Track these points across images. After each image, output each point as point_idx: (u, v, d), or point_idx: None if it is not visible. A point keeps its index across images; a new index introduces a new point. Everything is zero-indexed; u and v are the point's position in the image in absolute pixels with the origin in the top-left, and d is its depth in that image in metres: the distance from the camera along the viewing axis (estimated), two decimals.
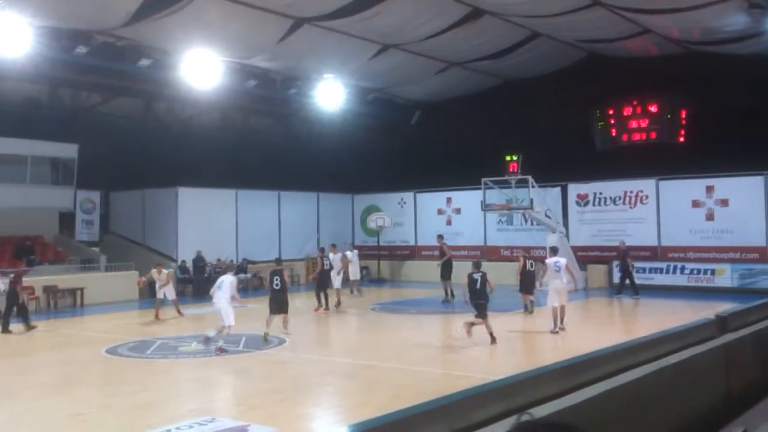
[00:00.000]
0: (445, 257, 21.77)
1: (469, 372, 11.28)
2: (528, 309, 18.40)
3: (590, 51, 25.72)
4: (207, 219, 26.13)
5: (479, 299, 13.91)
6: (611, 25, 21.77)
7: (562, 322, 15.18)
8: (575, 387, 3.87)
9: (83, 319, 20.12)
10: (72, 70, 21.43)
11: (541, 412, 3.63)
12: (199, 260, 24.85)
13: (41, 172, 24.04)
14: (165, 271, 20.04)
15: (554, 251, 16.61)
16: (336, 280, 20.79)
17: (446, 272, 21.50)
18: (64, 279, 22.13)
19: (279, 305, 15.30)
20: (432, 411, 3.54)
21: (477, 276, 14.10)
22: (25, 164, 23.25)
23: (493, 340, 13.60)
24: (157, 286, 19.47)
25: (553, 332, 14.89)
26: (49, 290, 21.36)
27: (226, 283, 13.96)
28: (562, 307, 15.19)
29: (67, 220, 25.78)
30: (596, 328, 16.14)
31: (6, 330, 16.73)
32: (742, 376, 5.30)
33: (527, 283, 18.30)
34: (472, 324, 13.89)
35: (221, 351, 13.20)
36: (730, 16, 19.38)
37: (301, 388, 10.76)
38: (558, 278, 15.25)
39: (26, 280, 20.74)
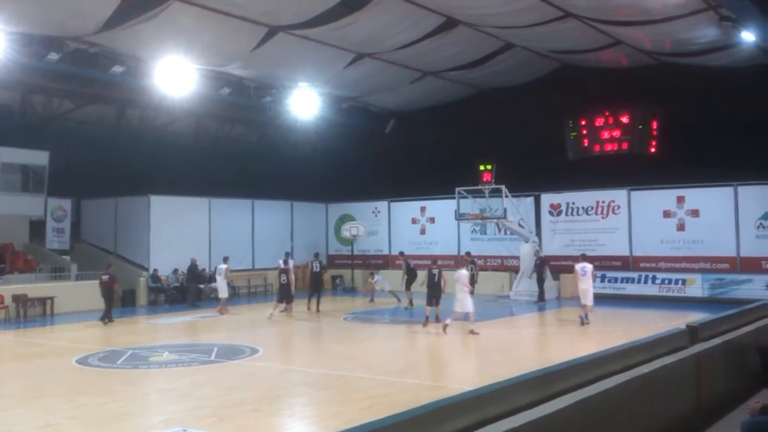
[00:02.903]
0: (410, 270, 23.02)
1: (442, 382, 11.26)
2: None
3: (563, 62, 26.01)
4: (180, 227, 25.86)
5: (434, 290, 17.71)
6: (584, 37, 22.04)
7: (587, 318, 17.43)
8: (548, 397, 3.88)
9: (53, 328, 19.78)
10: (44, 76, 21.12)
11: (514, 422, 3.62)
12: (193, 268, 24.56)
13: (11, 180, 23.68)
14: None
15: (583, 257, 18.48)
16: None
17: (409, 283, 22.68)
18: (34, 288, 21.75)
19: (283, 296, 20.35)
20: (404, 422, 3.52)
21: (435, 271, 17.95)
22: None
23: (427, 321, 17.48)
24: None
25: (585, 323, 17.31)
26: (18, 299, 20.95)
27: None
28: (590, 306, 17.57)
29: (37, 228, 25.37)
30: (568, 338, 16.23)
31: None
32: (713, 385, 5.35)
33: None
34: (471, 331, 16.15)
35: None
36: (701, 28, 19.70)
37: (272, 399, 10.66)
38: (584, 282, 17.61)
39: None
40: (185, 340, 17.40)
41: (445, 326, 16.53)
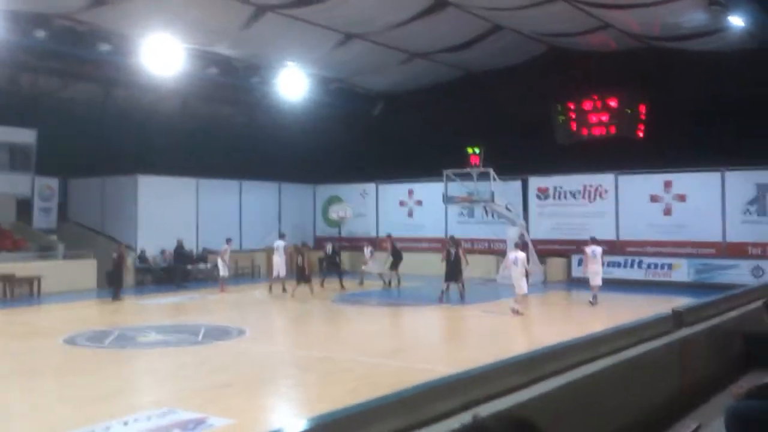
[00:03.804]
0: (396, 251, 23.78)
1: (430, 364, 11.33)
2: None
3: (552, 45, 25.95)
4: (167, 208, 25.75)
5: (451, 267, 19.21)
6: (572, 20, 21.98)
7: (595, 299, 18.29)
8: (533, 381, 3.90)
9: (40, 308, 19.72)
10: (31, 54, 20.86)
11: (498, 405, 3.66)
12: (180, 249, 24.49)
13: None
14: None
15: (594, 240, 19.32)
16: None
17: (395, 264, 23.53)
18: (21, 267, 21.62)
19: (301, 277, 20.98)
20: (389, 405, 3.53)
21: (452, 250, 19.46)
22: None
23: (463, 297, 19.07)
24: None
25: (594, 304, 18.19)
26: (5, 279, 20.83)
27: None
28: (598, 287, 18.45)
29: (24, 207, 25.15)
30: (554, 321, 16.37)
31: None
32: (697, 370, 5.41)
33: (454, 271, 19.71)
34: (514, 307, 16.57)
35: None
36: (690, 12, 19.70)
37: (259, 381, 10.71)
38: (595, 263, 18.57)
39: None
40: (172, 320, 17.39)
41: (516, 311, 16.67)
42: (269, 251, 27.84)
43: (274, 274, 22.24)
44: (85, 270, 23.26)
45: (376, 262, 24.35)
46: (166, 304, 20.22)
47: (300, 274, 21.14)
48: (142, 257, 24.85)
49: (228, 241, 23.29)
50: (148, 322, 17.15)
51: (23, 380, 10.59)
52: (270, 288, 22.14)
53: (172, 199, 26.15)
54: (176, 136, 26.64)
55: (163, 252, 25.08)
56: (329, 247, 25.00)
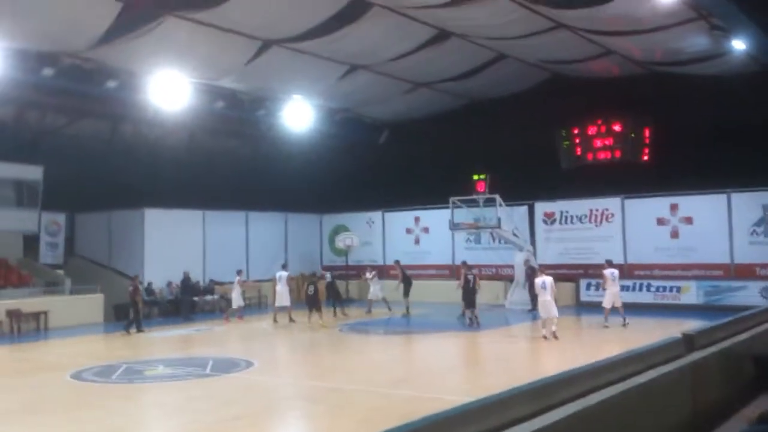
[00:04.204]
0: (405, 278, 23.88)
1: (440, 394, 11.24)
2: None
3: (555, 72, 26.15)
4: (174, 240, 25.84)
5: (469, 294, 19.44)
6: (575, 47, 22.18)
7: (624, 320, 18.83)
8: (546, 408, 3.87)
9: (47, 343, 19.68)
10: (38, 91, 21.08)
11: None
12: (186, 281, 24.52)
13: (5, 195, 23.60)
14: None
15: (610, 263, 20.09)
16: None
17: (406, 291, 23.62)
18: (28, 303, 21.60)
19: (312, 305, 20.96)
20: None
21: (470, 276, 19.76)
22: None
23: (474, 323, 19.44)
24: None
25: (619, 325, 18.57)
26: (12, 314, 20.82)
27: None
28: (618, 307, 18.93)
29: (31, 242, 25.25)
30: (563, 348, 16.23)
31: None
32: (709, 394, 5.36)
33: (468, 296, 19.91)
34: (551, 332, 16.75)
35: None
36: (691, 37, 19.84)
37: (268, 413, 10.63)
38: (615, 285, 19.15)
39: None
40: (180, 353, 17.33)
41: (545, 336, 16.85)
42: (274, 281, 27.84)
43: (277, 303, 22.15)
44: (92, 304, 23.26)
45: (378, 286, 24.16)
46: (173, 336, 20.18)
47: (312, 303, 21.12)
48: (149, 290, 24.85)
49: (239, 272, 23.73)
50: (156, 355, 17.11)
51: (29, 416, 10.53)
52: (275, 318, 22.07)
53: (178, 232, 26.25)
54: (183, 169, 26.84)
55: (169, 284, 25.09)
56: (329, 276, 25.30)
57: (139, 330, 20.35)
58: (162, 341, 19.42)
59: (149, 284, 24.94)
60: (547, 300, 16.95)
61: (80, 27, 18.14)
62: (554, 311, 16.99)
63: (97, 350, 18.01)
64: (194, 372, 13.78)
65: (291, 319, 21.75)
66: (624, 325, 18.63)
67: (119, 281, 25.09)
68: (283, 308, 21.99)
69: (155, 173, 25.76)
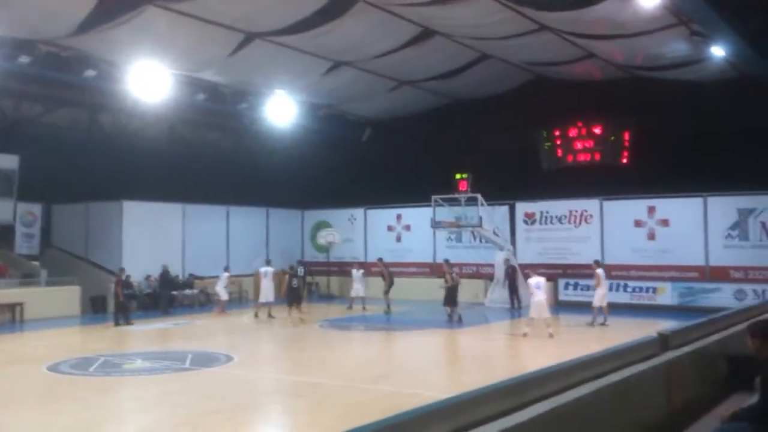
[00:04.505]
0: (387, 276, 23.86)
1: (419, 389, 11.31)
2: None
3: (538, 73, 26.32)
4: (153, 233, 25.62)
5: (454, 292, 20.12)
6: (558, 49, 22.33)
7: (605, 319, 19.14)
8: (519, 406, 3.93)
9: (23, 335, 19.48)
10: (14, 79, 20.74)
11: (488, 430, 3.68)
12: (165, 274, 24.36)
13: None
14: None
15: (598, 263, 20.59)
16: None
17: (388, 288, 23.55)
18: (3, 294, 21.33)
19: (293, 299, 21.01)
20: (381, 430, 3.54)
21: (455, 275, 20.42)
22: None
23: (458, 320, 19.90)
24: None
25: (598, 325, 19.04)
26: None
27: None
28: (603, 307, 19.27)
29: (6, 233, 24.93)
30: (540, 346, 16.35)
31: None
32: (683, 393, 5.46)
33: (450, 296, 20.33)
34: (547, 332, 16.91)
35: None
36: (672, 43, 20.07)
37: (247, 407, 10.62)
38: (605, 287, 19.70)
39: None
40: (158, 347, 17.25)
41: (525, 334, 16.99)
42: (257, 277, 27.79)
43: (262, 299, 22.07)
44: (69, 296, 23.04)
45: (362, 284, 24.30)
46: (151, 330, 20.06)
47: (293, 297, 21.16)
48: (126, 283, 24.59)
49: (226, 268, 24.38)
50: (134, 348, 17.02)
51: (5, 409, 10.42)
52: (256, 314, 22.03)
53: (157, 225, 26.04)
54: (163, 162, 26.63)
55: (148, 277, 24.90)
56: (301, 270, 25.18)
57: (128, 323, 20.36)
58: (140, 335, 19.30)
59: (127, 277, 24.70)
60: (541, 300, 17.07)
61: (58, 14, 17.87)
62: (547, 312, 17.18)
63: (73, 343, 17.87)
64: (173, 366, 13.73)
65: (270, 315, 21.70)
66: (603, 324, 18.94)
67: (96, 273, 24.91)
68: (265, 304, 21.91)
69: (134, 165, 25.53)
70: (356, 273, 24.76)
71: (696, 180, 22.09)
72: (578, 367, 4.63)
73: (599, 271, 19.71)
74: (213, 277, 26.71)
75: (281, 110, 26.03)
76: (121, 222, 25.04)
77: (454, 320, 20.04)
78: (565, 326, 19.68)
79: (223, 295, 23.43)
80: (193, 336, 19.02)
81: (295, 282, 21.33)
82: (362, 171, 29.53)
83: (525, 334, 16.94)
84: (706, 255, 23.01)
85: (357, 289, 24.25)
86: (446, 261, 22.78)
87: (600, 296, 19.31)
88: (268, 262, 23.63)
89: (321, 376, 12.88)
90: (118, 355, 15.09)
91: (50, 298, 22.39)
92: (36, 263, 24.41)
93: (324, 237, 29.48)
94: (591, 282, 24.39)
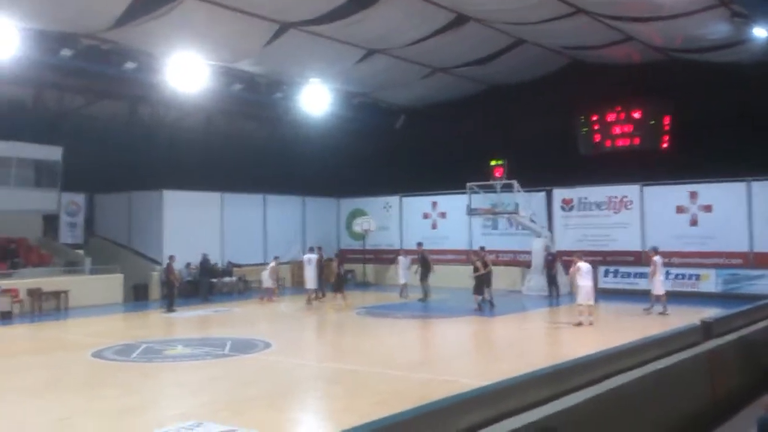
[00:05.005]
0: (425, 262, 23.61)
1: (456, 377, 11.30)
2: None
3: (574, 58, 25.92)
4: (192, 222, 26.01)
5: (482, 280, 20.04)
6: (594, 33, 21.96)
7: (664, 308, 18.38)
8: (562, 393, 3.91)
9: (67, 322, 19.96)
10: (57, 72, 21.27)
11: (529, 417, 3.66)
12: (205, 262, 24.76)
13: (25, 175, 23.84)
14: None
15: (656, 251, 19.37)
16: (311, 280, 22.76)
17: (425, 275, 23.39)
18: (48, 282, 21.91)
19: (339, 286, 21.99)
20: (419, 417, 3.56)
21: (479, 262, 20.29)
22: (10, 167, 23.07)
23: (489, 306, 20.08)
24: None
25: (657, 313, 18.16)
26: (33, 293, 21.14)
27: None
28: (662, 295, 18.63)
29: (51, 222, 25.55)
30: (580, 334, 16.20)
31: None
32: (727, 381, 5.37)
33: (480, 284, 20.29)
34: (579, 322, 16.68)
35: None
36: (713, 24, 19.59)
37: (286, 393, 10.75)
38: (661, 273, 18.91)
39: (10, 283, 20.64)
40: (199, 334, 17.55)
41: (582, 323, 16.72)
42: (293, 265, 28.04)
43: (308, 286, 22.52)
44: (112, 284, 23.55)
45: (406, 272, 24.34)
46: (192, 317, 20.39)
47: (339, 284, 22.01)
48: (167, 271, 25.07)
49: (275, 258, 24.59)
50: (175, 335, 17.33)
51: (51, 394, 10.73)
52: (309, 299, 22.33)
53: (197, 214, 26.41)
54: (201, 152, 27.02)
55: (188, 265, 25.30)
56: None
57: (170, 310, 20.81)
58: (181, 322, 19.64)
59: (167, 265, 25.15)
60: (589, 285, 16.88)
61: (98, 8, 18.21)
62: (592, 299, 16.99)
63: (116, 329, 18.25)
64: (213, 352, 13.95)
65: (310, 301, 22.07)
66: (662, 313, 18.24)
67: (138, 261, 25.39)
68: (311, 290, 22.38)
69: (173, 155, 25.94)
70: (403, 260, 24.75)
71: (739, 164, 21.55)
72: (620, 355, 4.59)
73: (657, 258, 18.98)
74: (251, 265, 27.05)
75: (316, 99, 26.13)
76: (161, 211, 25.46)
77: (484, 309, 19.91)
78: (605, 313, 19.45)
79: (266, 282, 23.68)
80: (232, 323, 19.29)
81: (342, 269, 21.99)
82: (397, 159, 29.51)
83: (579, 323, 16.66)
84: (750, 241, 22.50)
85: (404, 275, 24.25)
86: (480, 248, 22.73)
87: (659, 284, 18.70)
88: (311, 250, 23.84)
89: (357, 363, 12.96)
90: (159, 342, 15.38)
91: (94, 286, 22.92)
92: (80, 252, 24.98)
93: (360, 225, 29.57)
94: (631, 269, 24.23)
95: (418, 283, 23.51)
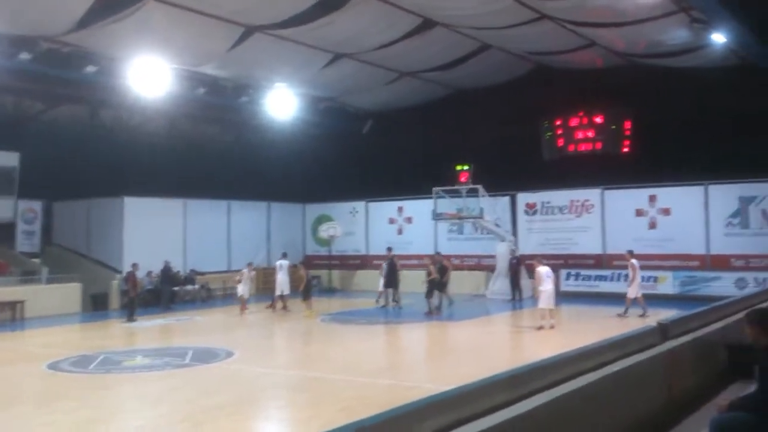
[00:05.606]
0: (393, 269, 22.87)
1: (419, 382, 11.29)
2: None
3: (539, 63, 26.21)
4: (154, 229, 25.56)
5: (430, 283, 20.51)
6: (559, 38, 22.23)
7: (644, 311, 18.37)
8: (520, 397, 3.90)
9: (23, 333, 19.46)
10: (15, 77, 20.70)
11: (488, 422, 3.65)
12: (167, 270, 24.34)
13: None
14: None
15: (631, 254, 19.36)
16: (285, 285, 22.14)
17: (391, 282, 22.63)
18: (3, 292, 21.29)
19: (308, 293, 21.48)
20: (381, 424, 3.51)
21: (432, 267, 20.55)
22: None
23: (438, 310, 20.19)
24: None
25: (638, 316, 17.90)
26: None
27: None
28: (640, 297, 18.72)
29: (7, 230, 24.89)
30: (542, 337, 16.33)
31: None
32: (683, 382, 5.43)
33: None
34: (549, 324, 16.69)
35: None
36: (673, 30, 19.98)
37: (249, 402, 10.61)
38: (638, 276, 18.92)
39: None
40: (159, 343, 17.26)
41: (543, 327, 16.74)
42: (259, 271, 27.77)
43: (278, 292, 22.05)
44: (70, 293, 23.04)
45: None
46: (153, 326, 20.05)
47: (307, 291, 21.54)
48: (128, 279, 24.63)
49: (249, 265, 23.33)
50: (135, 345, 17.02)
51: (5, 407, 10.41)
52: (273, 306, 22.01)
53: (159, 221, 26.00)
54: (163, 157, 26.60)
55: (149, 273, 24.86)
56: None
57: (131, 319, 20.33)
58: (142, 331, 19.30)
59: (128, 273, 24.72)
60: (550, 289, 16.97)
61: (58, 11, 17.85)
62: (553, 302, 17.09)
63: (74, 340, 17.86)
64: (173, 362, 13.70)
65: (274, 307, 21.87)
66: (642, 315, 18.07)
67: (98, 270, 24.90)
68: (281, 296, 21.97)
69: (135, 161, 25.49)
70: (386, 266, 23.76)
71: (697, 168, 22.04)
72: (579, 357, 4.60)
73: (634, 261, 18.98)
74: (214, 272, 26.75)
75: (282, 103, 25.97)
76: (122, 218, 25.00)
77: (437, 313, 20.02)
78: (566, 316, 19.64)
79: (241, 291, 22.22)
80: (194, 332, 19.02)
81: (309, 276, 21.81)
82: (363, 164, 29.49)
83: (540, 327, 16.79)
84: (707, 243, 22.97)
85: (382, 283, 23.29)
86: (437, 253, 22.80)
87: (636, 287, 18.75)
88: (284, 255, 23.56)
89: (322, 370, 12.87)
90: (118, 352, 15.07)
91: (51, 296, 22.40)
92: (37, 261, 24.42)
93: (325, 230, 29.46)
94: (592, 272, 24.54)
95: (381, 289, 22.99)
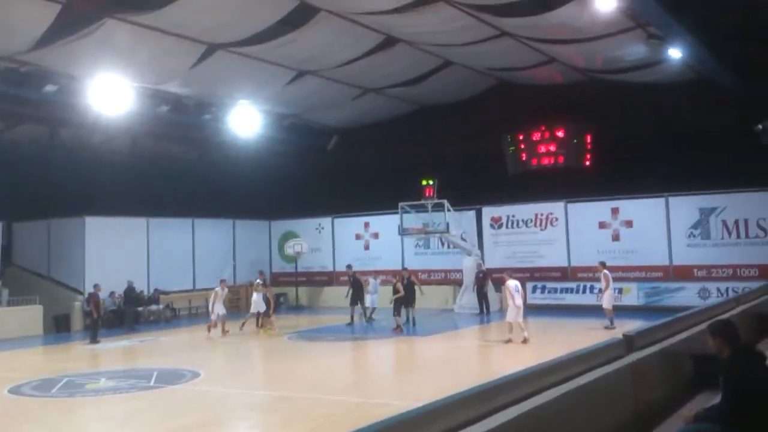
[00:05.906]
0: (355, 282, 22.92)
1: (387, 399, 11.25)
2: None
3: (501, 79, 26.53)
4: (117, 249, 25.16)
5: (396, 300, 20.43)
6: (519, 55, 22.55)
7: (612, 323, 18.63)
8: (487, 413, 3.91)
9: None
10: None
11: None
12: (130, 291, 23.89)
13: None
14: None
15: (604, 264, 19.58)
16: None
17: (355, 298, 22.55)
18: None
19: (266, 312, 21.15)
20: None
21: (399, 285, 20.53)
22: None
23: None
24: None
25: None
26: None
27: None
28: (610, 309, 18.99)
29: None
30: (509, 351, 16.41)
31: None
32: (649, 394, 5.49)
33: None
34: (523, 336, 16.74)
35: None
36: (630, 46, 20.39)
37: (216, 424, 10.46)
38: (611, 288, 19.17)
39: None
40: (123, 365, 16.93)
41: (509, 341, 16.78)
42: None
43: (253, 310, 21.56)
44: (31, 316, 22.53)
45: (375, 296, 23.31)
46: (116, 348, 19.68)
47: (270, 308, 21.32)
48: (89, 301, 24.14)
49: (221, 282, 22.07)
50: (98, 367, 16.69)
51: None
52: (243, 324, 21.48)
53: (121, 240, 25.61)
54: (126, 175, 26.23)
55: (112, 294, 24.40)
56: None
57: (94, 341, 19.95)
58: (105, 353, 18.92)
59: (89, 294, 24.24)
60: (519, 304, 17.06)
61: (16, 29, 17.52)
62: (521, 316, 17.19)
63: (36, 363, 17.42)
64: (138, 384, 13.46)
65: (261, 325, 21.35)
66: (608, 327, 18.26)
67: (59, 291, 24.40)
68: (254, 315, 21.53)
69: (97, 180, 25.09)
70: (373, 282, 23.69)
71: (657, 181, 22.47)
72: (544, 371, 4.62)
73: (607, 272, 19.21)
74: (179, 292, 26.40)
75: (245, 121, 25.81)
76: (83, 238, 24.57)
77: (404, 329, 20.06)
78: (534, 329, 19.75)
79: (219, 310, 20.94)
80: (158, 353, 18.71)
81: (270, 295, 21.57)
82: (329, 180, 29.46)
83: (508, 341, 16.85)
84: (669, 255, 23.36)
85: (371, 299, 23.18)
86: (403, 269, 22.83)
87: (609, 298, 18.98)
88: (261, 273, 23.32)
89: (289, 389, 12.75)
90: (81, 375, 14.75)
91: (12, 318, 21.88)
92: None
93: (291, 247, 29.30)
94: (558, 284, 24.79)
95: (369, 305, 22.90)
